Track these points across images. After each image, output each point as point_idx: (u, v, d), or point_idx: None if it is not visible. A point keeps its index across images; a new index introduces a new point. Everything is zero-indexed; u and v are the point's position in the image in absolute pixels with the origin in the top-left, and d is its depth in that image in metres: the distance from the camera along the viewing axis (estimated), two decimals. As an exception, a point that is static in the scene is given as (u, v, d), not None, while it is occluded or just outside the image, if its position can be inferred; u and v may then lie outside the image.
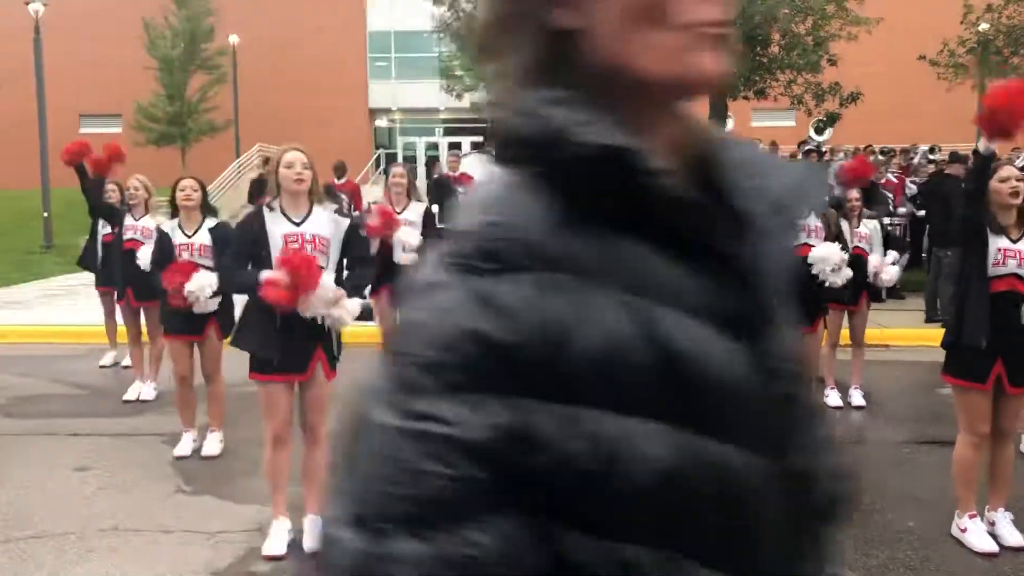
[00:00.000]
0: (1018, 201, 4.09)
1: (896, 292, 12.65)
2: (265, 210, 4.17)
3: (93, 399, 7.58)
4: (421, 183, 21.02)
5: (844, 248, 6.13)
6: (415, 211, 6.85)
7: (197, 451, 5.87)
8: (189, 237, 5.61)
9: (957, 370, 4.28)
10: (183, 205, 5.68)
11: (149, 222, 6.91)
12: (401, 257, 6.70)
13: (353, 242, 4.32)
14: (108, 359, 8.72)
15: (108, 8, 36.15)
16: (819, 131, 16.83)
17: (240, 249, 4.24)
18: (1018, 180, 4.10)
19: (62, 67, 34.79)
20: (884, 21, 15.35)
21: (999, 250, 4.11)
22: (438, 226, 7.27)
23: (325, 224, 4.19)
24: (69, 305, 12.20)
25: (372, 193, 26.50)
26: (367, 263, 4.53)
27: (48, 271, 16.08)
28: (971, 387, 4.22)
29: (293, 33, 36.78)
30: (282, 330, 4.07)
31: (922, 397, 7.63)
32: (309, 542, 4.26)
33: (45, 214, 19.58)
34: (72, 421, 6.80)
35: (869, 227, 6.93)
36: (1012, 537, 4.31)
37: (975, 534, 4.31)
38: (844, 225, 6.59)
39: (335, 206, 4.44)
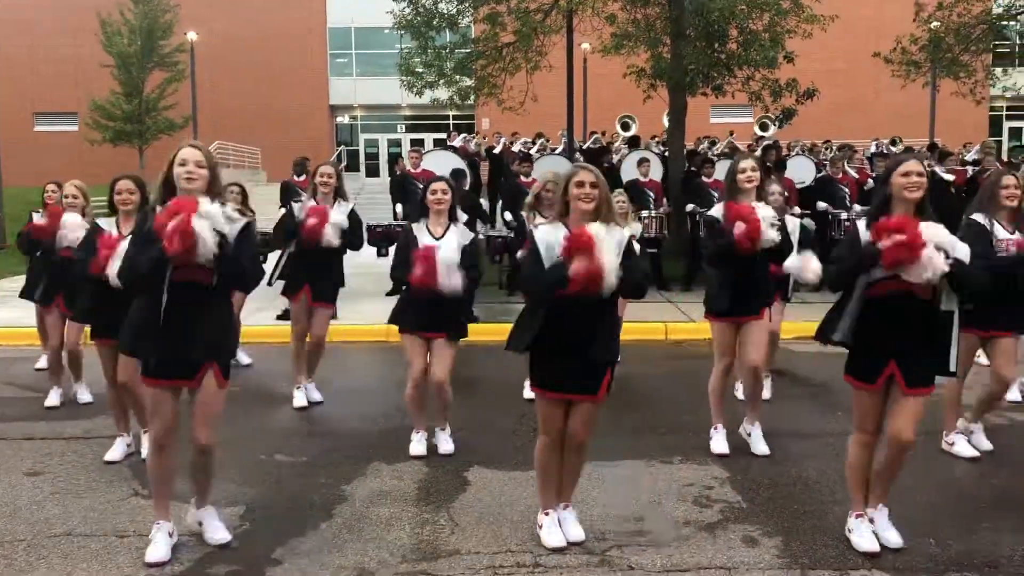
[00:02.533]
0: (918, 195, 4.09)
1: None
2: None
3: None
4: (384, 180, 20.93)
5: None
6: (340, 210, 6.79)
7: (131, 455, 5.78)
8: (125, 237, 5.44)
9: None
10: (121, 208, 5.56)
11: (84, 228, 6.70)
12: (326, 237, 6.64)
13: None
14: (43, 362, 8.57)
15: (62, 3, 35.47)
16: (764, 128, 17.00)
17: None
18: (919, 176, 4.10)
19: (15, 64, 34.16)
20: (840, 18, 15.52)
21: None
22: (361, 230, 7.18)
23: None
24: (22, 306, 11.93)
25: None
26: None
27: (1, 271, 15.74)
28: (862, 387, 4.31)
29: (252, 29, 36.38)
30: (164, 330, 4.09)
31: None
32: (214, 533, 4.37)
33: (-2, 214, 19.18)
34: (25, 424, 6.67)
35: (791, 225, 6.92)
36: (893, 538, 4.33)
37: (858, 534, 4.35)
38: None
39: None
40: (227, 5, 35.66)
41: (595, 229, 4.01)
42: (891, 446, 4.28)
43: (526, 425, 6.49)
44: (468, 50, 16.87)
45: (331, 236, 6.68)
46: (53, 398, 7.22)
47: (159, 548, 4.21)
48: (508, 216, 12.89)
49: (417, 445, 5.87)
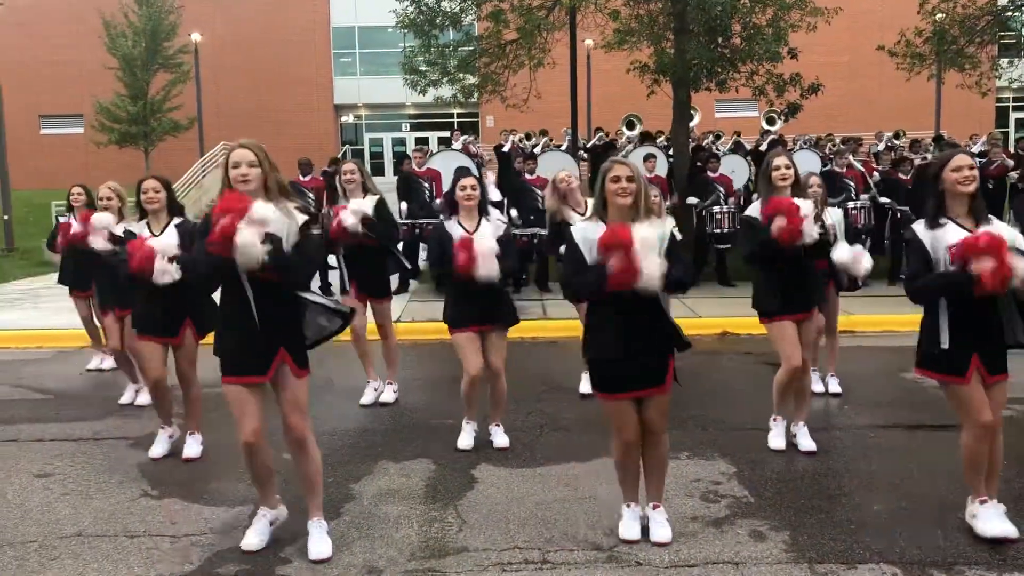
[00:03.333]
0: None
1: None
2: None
3: (56, 404, 7.47)
4: (389, 179, 20.95)
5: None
6: (368, 203, 6.79)
7: (174, 452, 5.85)
8: (156, 236, 5.60)
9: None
10: (148, 207, 5.66)
11: (120, 229, 6.76)
12: (346, 220, 6.65)
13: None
14: (95, 362, 8.70)
15: (66, 6, 35.56)
16: (771, 122, 16.95)
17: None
18: (970, 169, 4.12)
19: (20, 67, 34.23)
20: (844, 12, 15.47)
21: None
22: (393, 219, 7.19)
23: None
24: (31, 308, 12.01)
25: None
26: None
27: (9, 274, 15.81)
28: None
29: (256, 30, 36.42)
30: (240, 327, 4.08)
31: (888, 382, 7.74)
32: (314, 547, 4.26)
33: (5, 217, 19.26)
34: (34, 426, 6.70)
35: (834, 216, 6.94)
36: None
37: (983, 520, 4.32)
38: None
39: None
40: (230, 6, 35.70)
41: (636, 229, 4.00)
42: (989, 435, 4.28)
43: (533, 422, 6.50)
44: (471, 48, 16.85)
45: (351, 224, 6.63)
46: (128, 395, 7.32)
47: (256, 535, 4.32)
48: (514, 213, 12.91)
49: (466, 437, 5.92)
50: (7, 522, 4.77)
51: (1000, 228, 4.14)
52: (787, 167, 5.51)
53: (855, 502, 4.85)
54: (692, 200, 12.84)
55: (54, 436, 6.43)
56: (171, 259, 5.40)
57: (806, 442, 5.76)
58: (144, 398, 7.16)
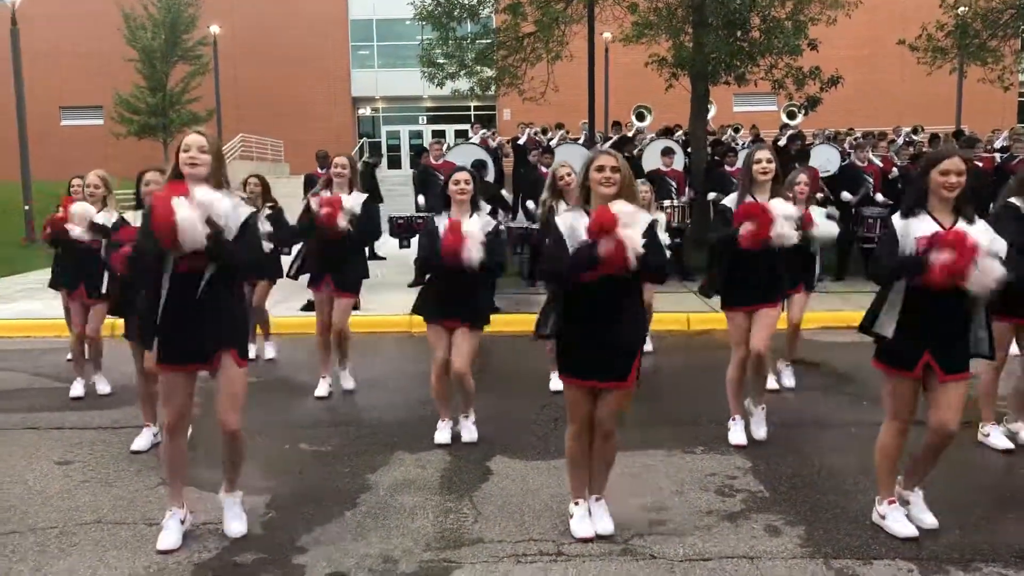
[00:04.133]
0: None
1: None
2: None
3: (75, 392, 7.53)
4: (406, 172, 20.95)
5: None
6: (355, 200, 6.81)
7: (157, 444, 5.83)
8: None
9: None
10: (147, 201, 5.63)
11: (103, 217, 6.70)
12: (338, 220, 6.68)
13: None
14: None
15: (86, -1, 35.80)
16: (791, 116, 16.84)
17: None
18: (958, 176, 4.13)
19: (42, 60, 34.49)
20: (864, 5, 15.36)
21: None
22: (378, 220, 7.21)
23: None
24: (51, 298, 12.09)
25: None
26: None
27: (29, 264, 15.95)
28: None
29: (275, 22, 36.53)
30: (170, 318, 4.15)
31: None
32: (231, 524, 4.39)
33: (26, 207, 19.42)
34: (54, 415, 6.77)
35: (819, 213, 6.89)
36: (928, 519, 4.38)
37: (893, 519, 4.36)
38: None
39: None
40: (249, -2, 35.83)
41: (620, 205, 4.00)
42: (935, 436, 4.28)
43: (547, 415, 6.51)
44: (489, 40, 16.84)
45: (340, 219, 6.68)
46: (77, 388, 7.31)
47: (170, 535, 4.28)
48: (531, 205, 12.90)
49: (442, 433, 5.92)
50: (28, 508, 4.83)
51: (977, 230, 4.07)
52: (768, 161, 5.55)
53: (871, 498, 4.82)
54: (712, 196, 12.79)
55: (73, 424, 6.49)
56: None
57: (759, 430, 5.86)
58: (103, 388, 7.31)
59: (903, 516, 4.35)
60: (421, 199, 13.12)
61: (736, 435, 5.83)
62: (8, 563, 4.14)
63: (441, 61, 16.38)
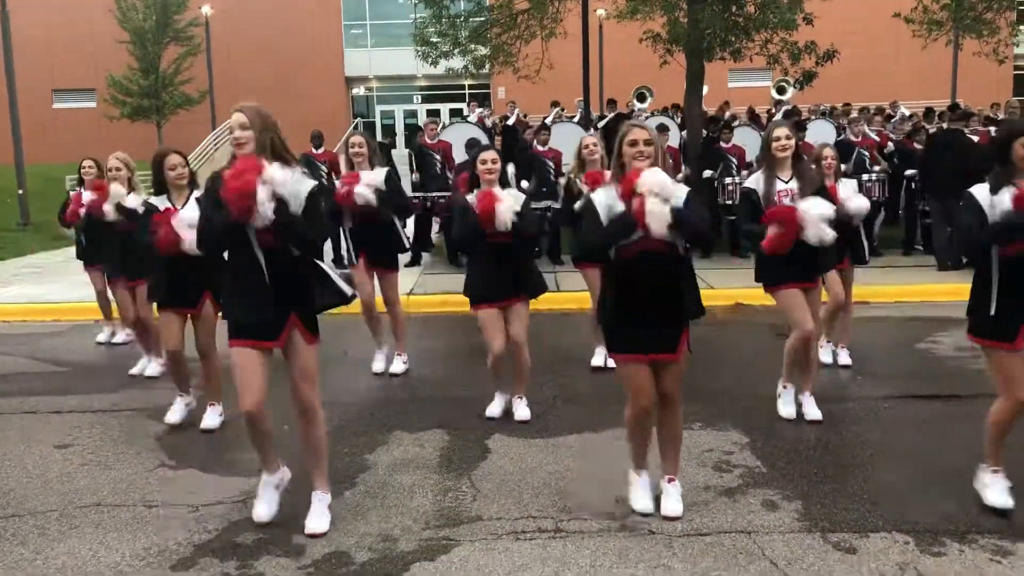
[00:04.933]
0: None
1: (874, 249, 12.76)
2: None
3: (73, 376, 7.54)
4: (401, 152, 20.97)
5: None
6: (378, 175, 6.80)
7: (192, 422, 5.92)
8: (180, 209, 5.64)
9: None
10: (176, 184, 5.70)
11: (133, 200, 6.83)
12: (359, 193, 6.63)
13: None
14: (104, 336, 8.73)
15: (76, -20, 35.50)
16: (781, 91, 16.76)
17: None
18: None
19: (32, 42, 34.23)
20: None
21: None
22: (403, 191, 7.15)
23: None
24: (47, 282, 12.09)
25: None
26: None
27: (25, 248, 15.92)
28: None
29: (266, 2, 36.27)
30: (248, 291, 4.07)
31: (902, 353, 7.72)
32: (311, 522, 4.26)
33: (20, 191, 19.35)
34: (52, 398, 6.77)
35: (848, 187, 6.88)
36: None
37: (993, 491, 4.31)
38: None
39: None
40: (240, -22, 35.54)
41: (650, 171, 4.01)
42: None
43: (547, 393, 6.53)
44: (483, 18, 16.73)
45: (367, 194, 6.63)
46: (153, 368, 7.27)
47: (265, 505, 4.32)
48: (525, 184, 12.86)
49: (495, 406, 5.98)
50: (28, 492, 4.84)
51: None
52: (787, 138, 5.50)
53: (868, 472, 4.86)
54: (708, 173, 12.76)
55: (72, 408, 6.50)
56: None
57: (813, 411, 5.78)
58: (153, 368, 7.25)
59: (1005, 488, 4.30)
60: (415, 177, 13.07)
61: (786, 407, 5.84)
62: (9, 546, 4.15)
63: (435, 40, 16.27)
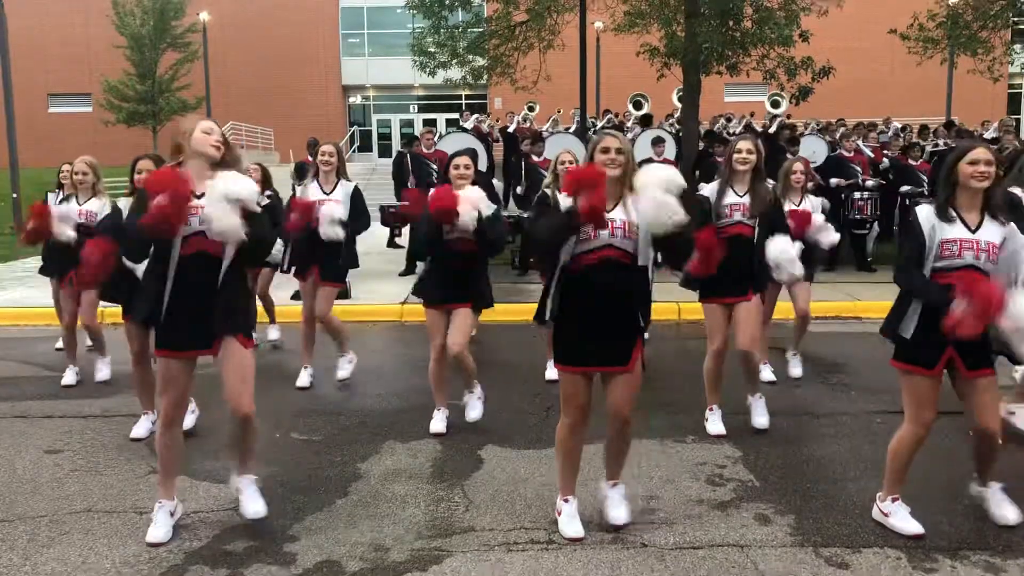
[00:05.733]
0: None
1: (868, 265, 12.81)
2: None
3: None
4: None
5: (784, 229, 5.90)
6: (343, 190, 6.81)
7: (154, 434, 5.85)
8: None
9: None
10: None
11: (95, 205, 6.74)
12: (324, 232, 6.63)
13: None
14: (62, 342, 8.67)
15: (74, -15, 35.53)
16: (775, 105, 16.84)
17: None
18: (987, 165, 4.02)
19: (28, 46, 34.22)
20: (856, -5, 15.36)
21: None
22: (367, 212, 7.08)
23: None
24: (40, 286, 12.03)
25: (348, 171, 26.34)
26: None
27: (18, 252, 15.87)
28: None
29: (264, 9, 36.36)
30: (176, 301, 4.06)
31: (894, 368, 7.71)
32: (248, 505, 4.35)
33: (14, 195, 19.29)
34: (43, 403, 6.74)
35: (813, 203, 6.92)
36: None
37: (897, 518, 4.31)
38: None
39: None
40: (239, -15, 35.61)
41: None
42: (980, 439, 4.25)
43: (539, 404, 6.52)
44: (481, 29, 16.80)
45: (328, 231, 6.64)
46: (69, 377, 7.30)
47: (159, 529, 4.21)
48: (520, 191, 12.87)
49: (437, 423, 5.91)
50: (18, 497, 4.81)
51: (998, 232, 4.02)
52: (748, 152, 5.54)
53: (860, 487, 4.86)
54: (703, 186, 12.80)
55: (63, 413, 6.47)
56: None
57: (760, 419, 5.84)
58: (104, 374, 7.30)
59: (907, 512, 4.30)
60: (411, 186, 13.05)
61: (714, 425, 5.84)
62: (-2, 552, 4.13)
63: (433, 50, 16.33)
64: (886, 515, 4.35)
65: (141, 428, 5.86)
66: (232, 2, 35.53)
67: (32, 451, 5.60)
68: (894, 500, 4.35)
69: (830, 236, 6.81)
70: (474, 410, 6.00)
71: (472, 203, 5.43)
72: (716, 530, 4.32)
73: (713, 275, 5.47)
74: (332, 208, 6.68)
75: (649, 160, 12.68)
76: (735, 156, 5.54)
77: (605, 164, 4.02)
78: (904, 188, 12.79)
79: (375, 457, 5.44)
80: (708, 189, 5.70)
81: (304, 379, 7.15)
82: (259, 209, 4.06)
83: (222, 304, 4.11)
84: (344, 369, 7.27)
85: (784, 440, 5.70)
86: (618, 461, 4.41)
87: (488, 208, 5.52)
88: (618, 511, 4.34)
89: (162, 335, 4.13)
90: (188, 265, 4.04)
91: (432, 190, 5.65)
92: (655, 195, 3.89)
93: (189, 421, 5.81)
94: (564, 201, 4.03)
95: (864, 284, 11.38)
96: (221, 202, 3.91)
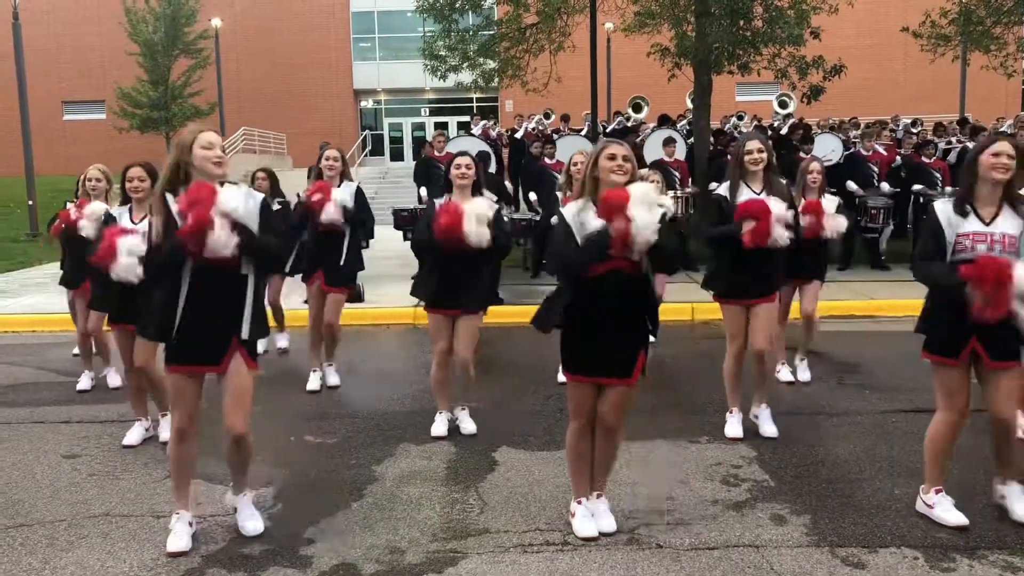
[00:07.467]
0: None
1: (882, 263, 12.75)
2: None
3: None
4: (409, 164, 20.99)
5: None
6: (347, 189, 6.84)
7: (148, 439, 5.91)
8: (135, 224, 5.46)
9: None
10: (133, 196, 5.58)
11: (117, 214, 6.75)
12: (327, 215, 6.65)
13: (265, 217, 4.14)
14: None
15: (88, -7, 35.78)
16: (783, 105, 16.78)
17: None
18: (1009, 158, 4.04)
19: (42, 54, 34.50)
20: (867, -7, 15.29)
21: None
22: (370, 209, 7.11)
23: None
24: (56, 293, 12.11)
25: (359, 174, 26.46)
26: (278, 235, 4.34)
27: (34, 259, 15.99)
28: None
29: (276, 15, 36.51)
30: (187, 314, 4.04)
31: (910, 367, 7.68)
32: (246, 523, 4.35)
33: (30, 202, 19.46)
34: (61, 408, 6.80)
35: (831, 203, 6.89)
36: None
37: (942, 509, 4.33)
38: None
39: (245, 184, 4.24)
40: (250, -9, 35.78)
41: (634, 186, 3.93)
42: (995, 427, 4.27)
43: (552, 405, 6.52)
44: (491, 32, 16.82)
45: (333, 213, 6.68)
46: (84, 382, 7.37)
47: (180, 538, 4.19)
48: (533, 196, 12.88)
49: (438, 426, 5.92)
50: (37, 501, 4.85)
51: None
52: (759, 151, 5.50)
53: (876, 486, 4.85)
54: (715, 186, 12.77)
55: (80, 418, 6.52)
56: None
57: (768, 427, 5.76)
58: (114, 381, 7.35)
59: (951, 504, 4.32)
60: (423, 191, 13.11)
61: (732, 428, 5.80)
62: (18, 556, 4.16)
63: (444, 53, 16.36)
64: (930, 507, 4.37)
65: (134, 435, 5.89)
66: (243, 8, 35.70)
67: (50, 456, 5.65)
68: (937, 491, 4.37)
69: (841, 225, 6.78)
70: (467, 425, 5.97)
71: (479, 218, 5.41)
72: (731, 530, 4.31)
73: (731, 276, 5.52)
74: (340, 193, 6.74)
75: (660, 161, 12.67)
76: (747, 157, 5.51)
77: (612, 171, 4.02)
78: (916, 187, 12.73)
79: (390, 460, 5.46)
80: (723, 189, 5.67)
81: (314, 383, 7.17)
82: (250, 221, 4.00)
83: (234, 319, 4.09)
84: (335, 376, 7.31)
85: (799, 440, 5.69)
86: (602, 470, 4.39)
87: (490, 209, 5.54)
88: (604, 521, 4.32)
89: (172, 351, 4.13)
90: (200, 278, 4.03)
91: (438, 204, 5.62)
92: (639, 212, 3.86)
93: (138, 436, 5.88)
94: (568, 210, 4.06)
95: (878, 283, 11.34)
96: (218, 219, 3.88)
